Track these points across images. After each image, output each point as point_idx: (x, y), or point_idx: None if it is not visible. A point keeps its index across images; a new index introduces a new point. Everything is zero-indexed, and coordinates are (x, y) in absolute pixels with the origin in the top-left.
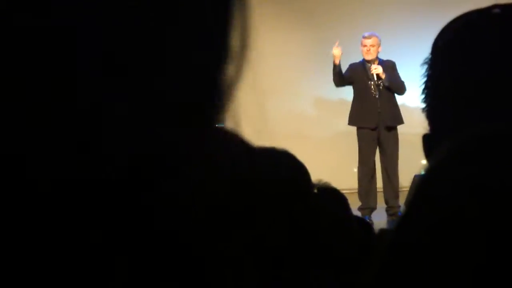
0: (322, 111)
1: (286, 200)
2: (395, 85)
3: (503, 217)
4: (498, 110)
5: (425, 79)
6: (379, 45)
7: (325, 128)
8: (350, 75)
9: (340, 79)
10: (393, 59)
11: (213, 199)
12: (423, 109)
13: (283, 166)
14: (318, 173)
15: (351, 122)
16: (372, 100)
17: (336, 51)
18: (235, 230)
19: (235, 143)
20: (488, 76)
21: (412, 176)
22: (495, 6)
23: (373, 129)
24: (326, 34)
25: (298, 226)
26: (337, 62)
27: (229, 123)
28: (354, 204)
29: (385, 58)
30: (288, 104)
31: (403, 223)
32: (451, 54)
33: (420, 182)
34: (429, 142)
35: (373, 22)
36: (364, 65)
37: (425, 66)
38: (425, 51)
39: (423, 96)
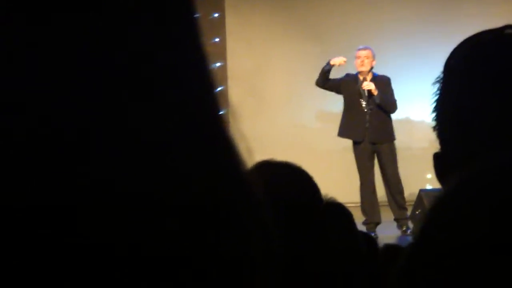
0: (326, 124)
1: (300, 216)
2: (385, 104)
3: None
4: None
5: (436, 98)
6: (373, 59)
7: (330, 141)
8: (340, 84)
9: (324, 80)
10: (400, 74)
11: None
12: (434, 127)
13: (298, 183)
14: (322, 186)
15: (339, 133)
16: (360, 114)
17: (338, 60)
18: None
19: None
20: (498, 100)
21: (417, 190)
22: (507, 26)
23: (360, 143)
24: (329, 47)
25: (309, 242)
26: (331, 63)
27: (235, 137)
28: (359, 218)
29: (391, 72)
30: (292, 116)
31: (415, 251)
32: (462, 74)
33: (433, 210)
34: (440, 162)
35: (376, 35)
36: (357, 78)
37: (437, 85)
38: (431, 66)
39: (433, 114)
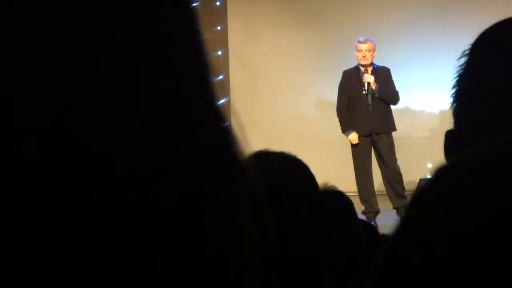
0: (325, 113)
1: (295, 204)
2: (386, 96)
3: (500, 236)
4: None
5: (457, 77)
6: (374, 50)
7: (329, 129)
8: (344, 84)
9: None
10: (400, 63)
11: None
12: (451, 105)
13: (291, 171)
14: (321, 175)
15: (343, 130)
16: (364, 107)
17: (354, 137)
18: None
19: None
20: None
21: (417, 179)
22: None
23: (366, 136)
24: (330, 36)
25: (306, 230)
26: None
27: (233, 126)
28: (358, 207)
29: (391, 62)
30: (292, 105)
31: (397, 236)
32: (488, 58)
33: (415, 198)
34: (451, 139)
35: (377, 25)
36: (358, 70)
37: (462, 60)
38: (430, 56)
39: (453, 92)
